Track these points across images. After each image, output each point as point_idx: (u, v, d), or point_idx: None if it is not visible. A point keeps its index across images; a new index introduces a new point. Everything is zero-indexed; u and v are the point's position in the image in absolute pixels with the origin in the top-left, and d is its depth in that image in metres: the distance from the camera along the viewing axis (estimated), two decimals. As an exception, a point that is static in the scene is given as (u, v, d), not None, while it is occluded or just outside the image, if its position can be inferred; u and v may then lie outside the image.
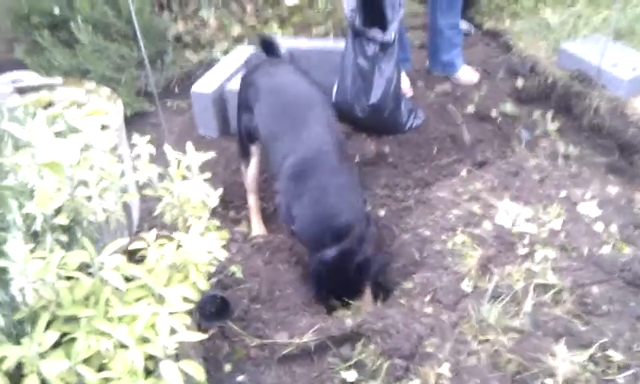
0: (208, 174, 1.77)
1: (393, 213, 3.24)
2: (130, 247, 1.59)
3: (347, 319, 2.41)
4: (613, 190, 3.06)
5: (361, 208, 2.73)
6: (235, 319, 2.53)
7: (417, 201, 3.21)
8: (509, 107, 3.93)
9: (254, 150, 3.05)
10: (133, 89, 3.99)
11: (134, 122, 3.90)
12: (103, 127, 2.19)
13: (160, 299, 1.53)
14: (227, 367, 2.30)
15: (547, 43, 4.43)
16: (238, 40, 4.67)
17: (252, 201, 3.19)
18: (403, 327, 2.29)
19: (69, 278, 1.41)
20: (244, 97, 3.01)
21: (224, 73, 3.80)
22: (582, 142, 3.70)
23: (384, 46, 3.42)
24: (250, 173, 3.12)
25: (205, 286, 1.59)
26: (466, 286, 2.51)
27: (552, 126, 3.86)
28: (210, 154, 1.83)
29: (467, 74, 4.16)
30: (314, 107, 2.77)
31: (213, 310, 2.53)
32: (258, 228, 3.16)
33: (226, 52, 4.38)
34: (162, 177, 1.79)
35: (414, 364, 2.17)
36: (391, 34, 3.39)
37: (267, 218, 3.30)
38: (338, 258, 2.54)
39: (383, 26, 3.43)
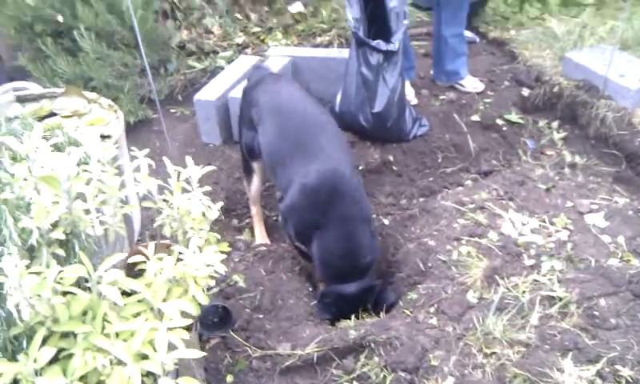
0: (208, 187, 1.75)
1: (397, 222, 3.21)
2: (129, 261, 1.57)
3: (351, 330, 2.37)
4: (620, 200, 3.03)
5: (376, 238, 2.78)
6: (237, 329, 2.50)
7: (422, 210, 3.18)
8: (514, 116, 3.90)
9: (257, 166, 3.00)
10: (136, 97, 3.97)
11: (137, 129, 3.89)
12: (103, 137, 2.17)
13: (159, 314, 1.50)
14: (229, 378, 2.27)
15: (553, 52, 4.41)
16: (242, 48, 4.66)
17: (255, 210, 3.16)
18: (407, 339, 2.26)
19: (65, 293, 1.38)
20: (246, 114, 2.95)
21: (228, 81, 3.78)
22: (588, 152, 3.67)
23: (388, 56, 3.39)
24: (253, 188, 3.09)
25: (204, 300, 1.56)
26: (472, 297, 2.48)
27: (558, 136, 3.83)
28: (210, 168, 1.80)
29: (472, 83, 4.13)
30: (326, 128, 2.72)
31: (215, 319, 2.51)
32: (260, 237, 3.14)
33: (229, 60, 4.37)
34: (161, 189, 1.76)
35: (418, 377, 2.14)
36: (395, 44, 3.37)
37: (270, 226, 3.27)
38: (360, 293, 2.60)
39: (387, 35, 3.41)
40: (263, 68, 3.31)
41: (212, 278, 1.66)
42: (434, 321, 2.41)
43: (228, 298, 2.64)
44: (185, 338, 1.47)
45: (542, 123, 3.93)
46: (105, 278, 1.44)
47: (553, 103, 4.03)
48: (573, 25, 4.62)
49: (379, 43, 3.35)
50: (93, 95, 2.46)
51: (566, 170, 3.53)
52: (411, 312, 2.50)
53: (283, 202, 2.66)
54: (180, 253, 1.60)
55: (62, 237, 1.40)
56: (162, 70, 4.25)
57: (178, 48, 4.44)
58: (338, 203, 2.51)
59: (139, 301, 1.52)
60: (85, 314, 1.39)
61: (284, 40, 4.79)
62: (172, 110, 4.14)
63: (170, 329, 1.44)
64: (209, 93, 3.66)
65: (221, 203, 1.78)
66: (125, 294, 1.52)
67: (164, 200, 1.73)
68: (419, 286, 2.63)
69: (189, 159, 1.77)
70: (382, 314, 2.56)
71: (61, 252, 1.46)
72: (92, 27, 3.69)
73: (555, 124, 3.91)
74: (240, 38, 4.71)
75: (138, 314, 1.50)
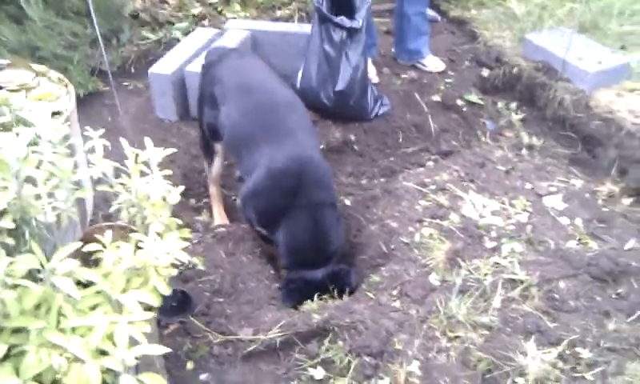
0: (169, 171, 1.65)
1: (359, 202, 3.17)
2: (84, 249, 1.47)
3: (314, 314, 2.33)
4: (577, 182, 3.08)
5: (341, 223, 2.74)
6: (197, 314, 2.42)
7: (383, 190, 3.15)
8: (474, 97, 3.91)
9: (219, 147, 2.89)
10: (86, 68, 3.78)
11: (87, 102, 3.70)
12: (53, 114, 2.04)
13: (118, 306, 1.42)
14: (189, 365, 2.20)
15: (512, 33, 4.42)
16: (199, 19, 4.50)
17: (214, 190, 3.06)
18: (372, 323, 2.24)
19: (16, 286, 1.28)
20: (208, 92, 2.80)
21: (184, 54, 3.63)
22: (545, 134, 3.71)
23: (351, 33, 3.32)
24: (214, 169, 2.97)
25: (166, 290, 1.48)
26: (434, 279, 2.48)
27: (516, 117, 3.86)
28: (171, 150, 1.70)
29: (433, 63, 4.11)
30: (294, 109, 2.64)
31: (174, 304, 2.42)
32: (220, 217, 3.05)
33: (185, 32, 4.21)
34: (117, 171, 1.66)
35: (383, 362, 2.12)
36: (359, 21, 3.30)
37: (229, 206, 3.19)
38: (326, 279, 2.55)
39: (351, 12, 3.33)
40: (220, 48, 3.16)
41: (174, 266, 1.58)
42: (397, 304, 2.39)
43: (187, 281, 2.55)
44: (146, 332, 1.40)
45: (500, 104, 3.95)
46: (59, 269, 1.34)
47: (512, 84, 4.05)
48: (532, 6, 4.64)
49: (343, 20, 3.28)
50: (42, 68, 2.30)
51: (524, 151, 3.56)
52: (374, 295, 2.48)
53: (245, 185, 2.57)
54: (139, 240, 1.51)
55: (12, 225, 1.30)
56: (114, 40, 4.05)
57: (131, 17, 4.23)
58: (306, 189, 2.45)
59: (97, 293, 1.43)
60: (38, 307, 1.30)
61: (242, 12, 4.64)
62: (125, 83, 3.96)
63: (130, 322, 1.37)
64: (164, 66, 3.50)
65: (182, 187, 1.69)
66: (80, 284, 1.43)
67: (121, 184, 1.63)
68: (382, 268, 2.61)
69: (147, 140, 1.67)
70: (345, 297, 2.53)
71: (10, 241, 1.35)
72: (39, -7, 3.47)
73: (514, 105, 3.94)
74: (197, 9, 4.53)
75: (95, 307, 1.41)
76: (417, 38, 4.05)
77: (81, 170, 1.66)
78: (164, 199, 1.64)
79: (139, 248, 1.51)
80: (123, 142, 1.69)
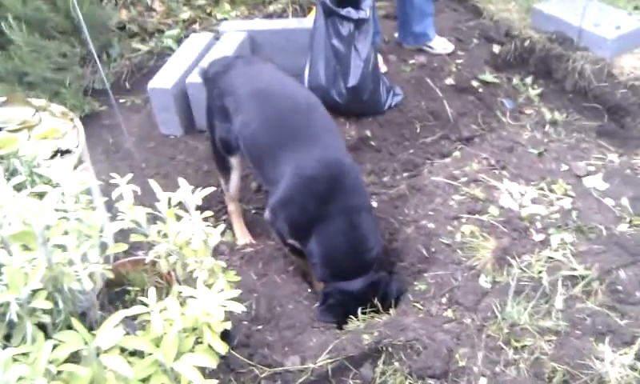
0: (209, 212, 1.47)
1: (386, 203, 3.00)
2: (129, 313, 1.29)
3: (363, 335, 2.17)
4: (614, 158, 2.92)
5: (378, 228, 2.60)
6: (237, 346, 2.25)
7: (411, 187, 2.97)
8: (488, 76, 3.73)
9: (235, 162, 2.69)
10: (79, 89, 3.56)
11: (85, 124, 3.46)
12: (62, 153, 1.84)
13: (172, 374, 1.24)
14: (237, 406, 2.03)
15: (518, 4, 4.25)
16: (189, 24, 4.27)
17: (233, 207, 2.87)
18: (429, 340, 2.06)
19: (59, 372, 1.10)
20: (218, 105, 2.60)
21: (182, 65, 3.42)
22: (567, 107, 3.56)
23: (359, 24, 3.12)
24: (232, 185, 2.78)
25: (223, 349, 1.31)
26: (485, 282, 2.31)
27: (534, 92, 3.70)
28: (210, 190, 1.52)
29: (441, 44, 3.91)
30: (314, 112, 2.45)
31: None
32: (242, 235, 2.86)
33: (177, 38, 3.99)
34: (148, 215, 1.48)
35: (448, 381, 1.96)
36: (366, 11, 3.10)
37: (249, 221, 3.00)
38: (366, 290, 2.38)
39: (356, 2, 3.13)
40: (222, 58, 2.93)
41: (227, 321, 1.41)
42: (449, 313, 2.23)
43: (221, 311, 2.38)
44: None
45: (516, 80, 3.79)
46: (104, 344, 1.16)
47: (524, 58, 3.89)
48: (535, -27, 4.45)
49: (350, 12, 3.08)
50: (41, 102, 2.10)
51: (548, 128, 3.41)
52: (422, 305, 2.31)
53: (274, 196, 2.38)
54: (181, 293, 1.33)
55: (49, 305, 1.11)
56: (104, 56, 3.83)
57: (118, 30, 4.00)
58: (340, 194, 2.27)
59: (151, 363, 1.25)
60: (88, 394, 1.12)
61: (233, 11, 4.41)
62: (122, 100, 3.73)
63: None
64: (163, 80, 3.29)
65: (222, 226, 1.51)
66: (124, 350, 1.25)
67: (158, 231, 1.44)
68: (425, 274, 2.44)
69: (182, 181, 1.48)
70: (392, 311, 2.36)
71: (46, 318, 1.16)
72: (21, 16, 3.23)
73: (529, 80, 3.78)
74: (185, 13, 4.30)
75: (147, 379, 1.23)
76: (422, 20, 3.84)
77: (100, 216, 1.47)
78: (205, 243, 1.46)
79: (186, 305, 1.33)
80: (153, 183, 1.51)
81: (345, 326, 2.35)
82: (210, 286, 1.41)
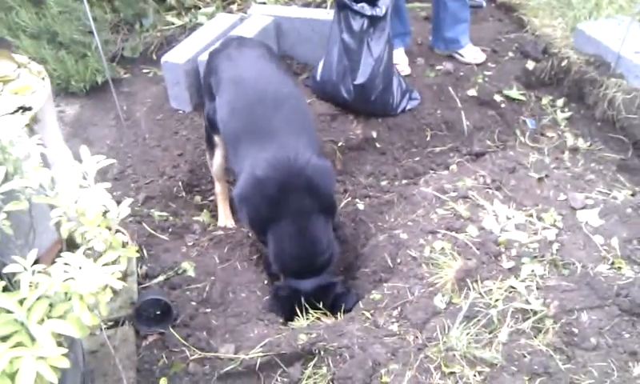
0: (108, 184, 1.48)
1: (373, 207, 2.94)
2: (5, 271, 1.32)
3: (301, 334, 2.14)
4: (619, 195, 2.72)
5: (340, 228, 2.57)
6: (179, 325, 2.28)
7: (400, 196, 2.90)
8: (515, 92, 3.56)
9: (218, 140, 2.71)
10: (106, 54, 3.68)
11: (103, 90, 3.61)
12: (24, 109, 1.90)
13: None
14: (162, 382, 2.05)
15: (565, 22, 4.01)
16: (227, 4, 4.33)
17: (219, 188, 2.90)
18: (359, 350, 2.01)
19: None
20: (207, 83, 2.65)
21: (201, 42, 3.47)
22: (592, 135, 3.35)
23: (374, 21, 3.06)
24: (216, 162, 2.80)
25: (91, 321, 1.32)
26: (440, 301, 2.22)
27: (562, 115, 3.50)
28: (110, 161, 1.53)
29: (472, 53, 3.77)
30: (281, 106, 2.41)
31: (156, 312, 2.29)
32: (224, 218, 2.89)
33: (210, 17, 4.05)
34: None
35: (365, 396, 1.90)
36: (382, 8, 3.03)
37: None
38: (316, 291, 2.37)
39: (373, -1, 3.08)
40: (231, 37, 2.96)
41: (114, 293, 1.42)
42: (394, 327, 2.16)
43: (174, 288, 2.41)
44: (64, 367, 1.25)
45: (545, 101, 3.60)
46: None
47: (560, 79, 3.68)
48: (590, -10, 4.20)
49: (363, 7, 3.02)
50: (23, 59, 2.18)
51: (566, 154, 3.22)
52: (372, 314, 2.25)
53: (235, 188, 2.39)
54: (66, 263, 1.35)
55: None
56: (137, 25, 3.94)
57: (156, 1, 4.11)
58: (291, 196, 2.25)
59: (14, 320, 1.28)
60: None
61: (274, -3, 4.42)
62: (145, 70, 3.85)
63: (40, 357, 1.21)
64: (178, 54, 3.36)
65: (129, 200, 1.52)
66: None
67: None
68: (385, 284, 2.38)
69: (84, 148, 1.50)
70: (339, 316, 2.32)
71: None
72: (54, -24, 3.39)
73: (560, 102, 3.58)
74: (226, -7, 4.36)
75: (6, 338, 1.26)
76: (454, 26, 3.72)
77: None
78: (104, 215, 1.47)
79: (66, 272, 1.35)
80: (84, 149, 1.53)
81: (291, 323, 2.33)
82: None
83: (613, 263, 2.30)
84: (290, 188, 2.24)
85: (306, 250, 2.31)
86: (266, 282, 2.52)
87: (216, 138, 2.70)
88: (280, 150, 2.25)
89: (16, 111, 1.96)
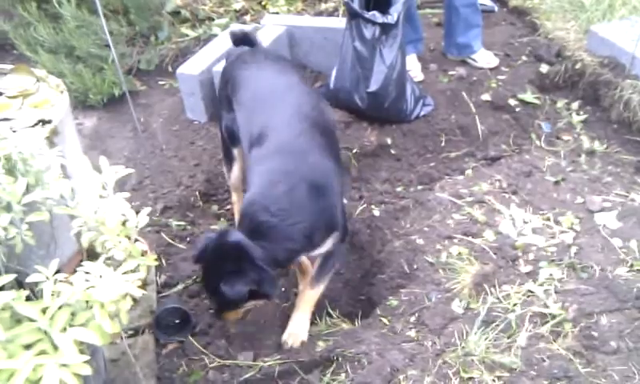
0: (127, 194, 1.51)
1: (389, 213, 2.93)
2: (27, 280, 1.35)
3: (319, 341, 2.15)
4: (637, 197, 2.70)
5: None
6: (198, 333, 2.30)
7: (415, 201, 2.89)
8: (529, 96, 3.54)
9: (237, 153, 2.70)
10: (122, 67, 3.74)
11: (122, 102, 3.66)
12: (44, 123, 1.94)
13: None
14: (182, 390, 2.08)
15: (578, 24, 3.99)
16: (241, 15, 4.37)
17: (236, 198, 2.91)
18: (377, 356, 2.02)
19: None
20: (223, 94, 2.65)
21: (216, 52, 3.51)
22: (609, 138, 3.31)
23: (386, 29, 3.07)
24: (233, 176, 2.79)
25: (113, 328, 1.34)
26: (457, 306, 2.22)
27: (577, 118, 3.47)
28: (128, 171, 1.56)
29: (485, 58, 3.77)
30: (285, 94, 2.41)
31: (175, 321, 2.31)
32: (240, 227, 2.90)
33: (224, 27, 4.09)
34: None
35: (384, 403, 1.91)
36: (394, 16, 3.04)
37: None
38: None
39: (387, 6, 3.08)
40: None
41: (134, 301, 1.44)
42: (412, 333, 2.16)
43: (193, 296, 2.45)
44: (86, 374, 1.27)
45: (560, 104, 3.58)
46: (-10, 303, 1.23)
47: (574, 82, 3.66)
48: (603, -8, 4.18)
49: (374, 15, 3.04)
50: (42, 73, 2.22)
51: (583, 157, 3.19)
52: (389, 321, 2.26)
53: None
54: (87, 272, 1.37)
55: None
56: (152, 38, 4.00)
57: (171, 14, 4.16)
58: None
59: (36, 329, 1.30)
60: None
61: (286, 6, 4.46)
62: (161, 82, 3.90)
63: (63, 365, 1.24)
64: (193, 66, 3.40)
65: (148, 209, 1.54)
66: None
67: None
68: (402, 290, 2.38)
69: (103, 159, 1.53)
70: (357, 322, 2.32)
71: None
72: (72, -9, 3.45)
73: (575, 105, 3.55)
74: (239, 4, 4.41)
75: (30, 346, 1.29)
76: (466, 31, 3.72)
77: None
78: (123, 225, 1.50)
79: (87, 281, 1.38)
80: (103, 159, 1.57)
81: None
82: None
83: (632, 266, 2.28)
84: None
85: None
86: (283, 289, 2.52)
87: (234, 151, 2.71)
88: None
89: (36, 124, 2.00)
